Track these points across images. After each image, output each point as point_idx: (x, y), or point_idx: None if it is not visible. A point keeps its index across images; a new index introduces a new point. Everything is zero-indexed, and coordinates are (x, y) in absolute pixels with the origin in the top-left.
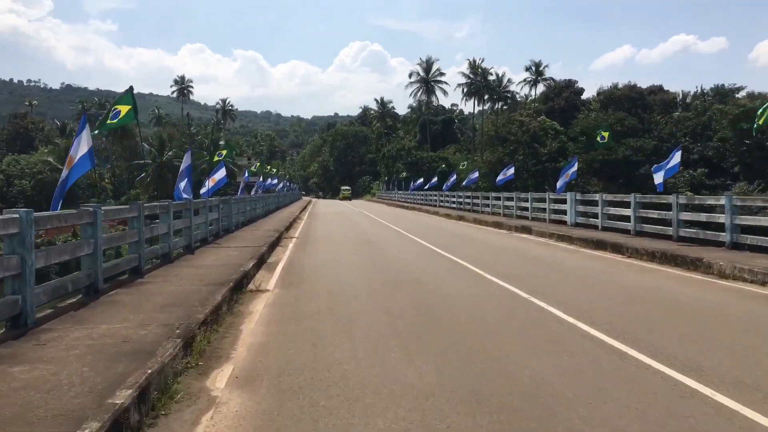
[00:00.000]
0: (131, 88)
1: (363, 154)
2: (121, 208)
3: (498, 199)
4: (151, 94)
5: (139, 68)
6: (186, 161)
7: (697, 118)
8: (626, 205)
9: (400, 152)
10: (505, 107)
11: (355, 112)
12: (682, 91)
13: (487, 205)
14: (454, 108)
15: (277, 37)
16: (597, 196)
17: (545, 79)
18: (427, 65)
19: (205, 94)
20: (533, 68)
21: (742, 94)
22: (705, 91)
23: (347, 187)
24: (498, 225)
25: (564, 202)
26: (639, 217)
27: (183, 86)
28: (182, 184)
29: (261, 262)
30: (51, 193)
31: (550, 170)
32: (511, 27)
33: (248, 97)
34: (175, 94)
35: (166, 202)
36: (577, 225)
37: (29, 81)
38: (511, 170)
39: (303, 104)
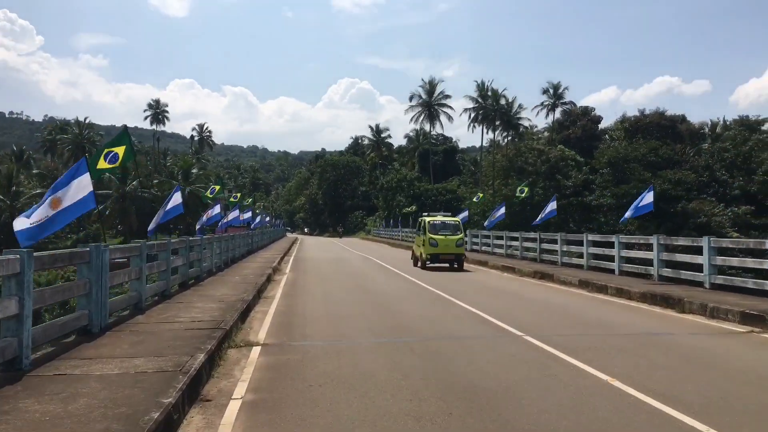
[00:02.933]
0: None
1: (355, 187)
2: None
3: (553, 241)
4: (136, 127)
5: (128, 102)
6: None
7: (735, 149)
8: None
9: (400, 183)
10: (509, 137)
11: (343, 147)
12: (711, 120)
13: (531, 249)
14: (451, 138)
15: (266, 73)
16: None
17: (565, 103)
18: (430, 87)
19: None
20: (551, 91)
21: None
22: (728, 123)
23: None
24: (585, 285)
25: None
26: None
27: (158, 111)
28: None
29: None
30: None
31: (575, 205)
32: (496, 69)
33: (236, 131)
34: (148, 119)
35: None
36: (665, 279)
37: (11, 113)
38: (553, 204)
39: (291, 140)
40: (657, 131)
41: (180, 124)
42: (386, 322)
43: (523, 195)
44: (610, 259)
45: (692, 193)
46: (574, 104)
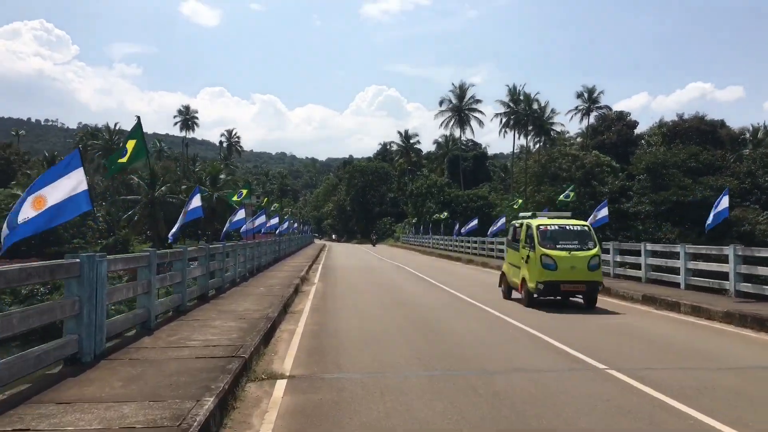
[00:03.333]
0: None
1: (383, 193)
2: None
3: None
4: (167, 134)
5: (159, 110)
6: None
7: None
8: None
9: (430, 189)
10: (540, 143)
11: (371, 153)
12: (752, 125)
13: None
14: (480, 144)
15: (295, 81)
16: None
17: (600, 107)
18: (461, 91)
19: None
20: (585, 95)
21: None
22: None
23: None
24: (651, 301)
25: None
26: None
27: (188, 117)
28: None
29: None
30: None
31: (611, 213)
32: (524, 76)
33: (265, 139)
34: (178, 126)
35: None
36: (743, 295)
37: (47, 120)
38: (604, 210)
39: (318, 147)
40: (696, 136)
41: (210, 132)
42: (435, 347)
43: (569, 200)
44: (674, 271)
45: (734, 200)
46: (610, 108)
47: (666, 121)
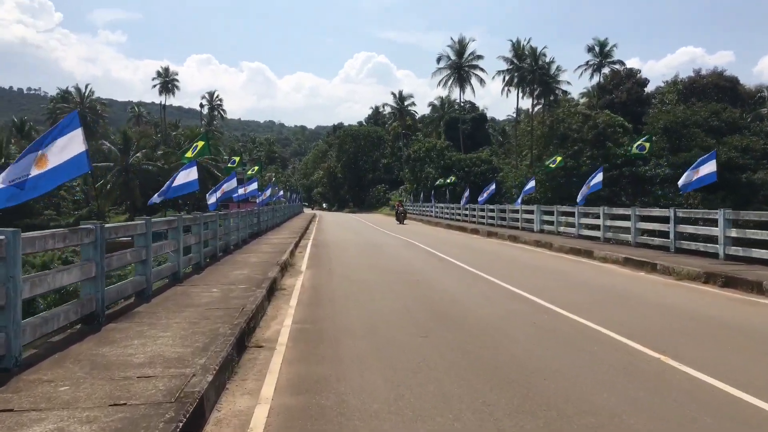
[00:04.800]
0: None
1: (376, 159)
2: None
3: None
4: (153, 102)
5: (145, 79)
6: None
7: None
8: None
9: (429, 153)
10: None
11: (362, 119)
12: None
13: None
14: (478, 107)
15: (284, 48)
16: None
17: (613, 62)
18: (460, 47)
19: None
20: (597, 48)
21: None
22: None
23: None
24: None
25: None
26: None
27: (167, 80)
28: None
29: None
30: None
31: (627, 176)
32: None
33: (254, 108)
34: (157, 90)
35: None
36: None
37: (29, 89)
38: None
39: (308, 115)
40: (714, 93)
41: (196, 101)
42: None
43: (644, 152)
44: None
45: (762, 162)
46: (623, 63)
47: (682, 78)
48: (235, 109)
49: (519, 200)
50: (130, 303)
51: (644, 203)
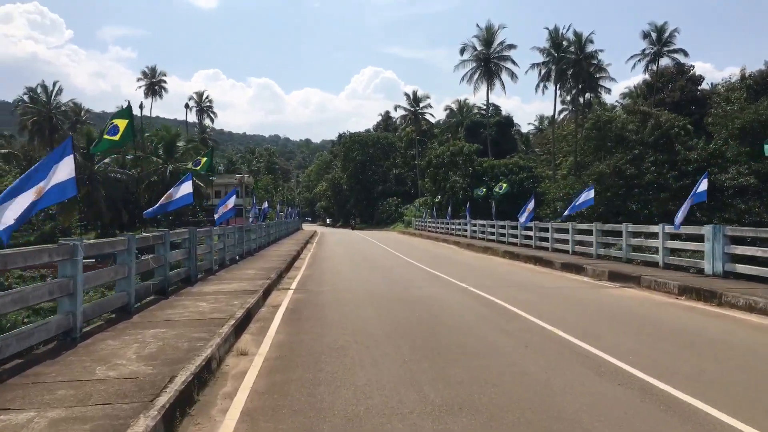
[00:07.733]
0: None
1: (387, 169)
2: None
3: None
4: (158, 117)
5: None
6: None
7: None
8: None
9: (454, 158)
10: (567, 110)
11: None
12: None
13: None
14: (501, 109)
15: (291, 64)
16: None
17: (673, 51)
18: (488, 35)
19: (219, 120)
20: (653, 35)
21: None
22: None
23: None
24: None
25: None
26: None
27: (153, 81)
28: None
29: None
30: None
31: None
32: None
33: (261, 122)
34: (141, 91)
35: None
36: None
37: None
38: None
39: (315, 130)
40: None
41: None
42: None
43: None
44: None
45: None
46: (686, 53)
47: (752, 72)
48: (241, 123)
49: (565, 214)
50: None
51: (725, 220)
